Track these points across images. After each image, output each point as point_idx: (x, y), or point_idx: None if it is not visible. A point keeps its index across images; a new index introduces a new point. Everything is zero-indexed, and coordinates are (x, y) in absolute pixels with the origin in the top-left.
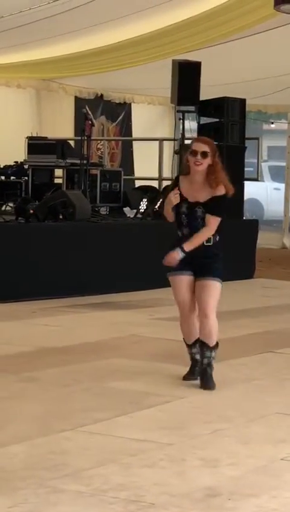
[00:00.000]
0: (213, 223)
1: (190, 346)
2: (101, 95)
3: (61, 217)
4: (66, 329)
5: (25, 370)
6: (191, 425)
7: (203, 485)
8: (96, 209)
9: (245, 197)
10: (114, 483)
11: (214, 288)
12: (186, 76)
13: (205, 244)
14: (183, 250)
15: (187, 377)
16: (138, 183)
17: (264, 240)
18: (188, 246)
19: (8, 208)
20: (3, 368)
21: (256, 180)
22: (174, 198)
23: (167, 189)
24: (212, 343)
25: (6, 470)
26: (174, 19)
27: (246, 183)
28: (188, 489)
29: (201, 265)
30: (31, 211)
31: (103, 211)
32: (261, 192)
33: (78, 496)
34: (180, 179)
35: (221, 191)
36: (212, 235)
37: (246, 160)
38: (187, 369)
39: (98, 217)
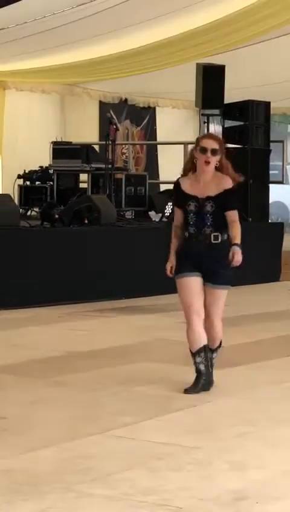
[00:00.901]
0: (235, 215)
1: (194, 355)
2: (126, 99)
3: (86, 221)
4: (92, 333)
5: (52, 375)
6: (218, 429)
7: (231, 489)
8: (122, 213)
9: (270, 200)
10: (141, 487)
11: (222, 296)
12: (211, 79)
13: (213, 241)
14: (239, 246)
15: (189, 389)
16: (162, 187)
17: None
18: (238, 239)
19: (33, 213)
20: (30, 373)
21: (281, 183)
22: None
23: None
24: (214, 346)
25: (34, 475)
26: (198, 23)
27: (271, 186)
28: (215, 493)
29: (209, 268)
30: (56, 216)
31: (128, 215)
32: (287, 195)
33: (106, 500)
34: (182, 181)
35: (229, 183)
36: (220, 233)
37: (271, 163)
38: (215, 373)
39: (123, 221)
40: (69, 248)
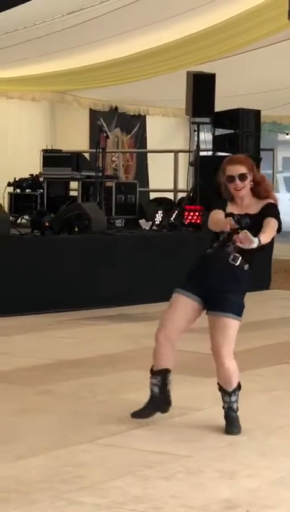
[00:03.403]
0: (274, 224)
1: (153, 374)
2: (116, 107)
3: (76, 229)
4: (82, 341)
5: (41, 383)
6: (209, 437)
7: (221, 497)
8: (112, 221)
9: None
10: (131, 496)
11: (230, 327)
12: (201, 87)
13: (230, 261)
14: (259, 240)
15: (137, 413)
16: (152, 195)
17: (280, 251)
18: (263, 237)
19: (23, 221)
20: (19, 381)
21: None
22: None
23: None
24: (230, 389)
25: (24, 483)
26: (188, 31)
27: None
28: (206, 501)
29: (213, 291)
30: (47, 224)
31: (119, 223)
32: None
33: (96, 508)
34: (228, 204)
35: (273, 199)
36: (244, 262)
37: (261, 172)
38: (206, 381)
39: (113, 229)
40: (59, 256)
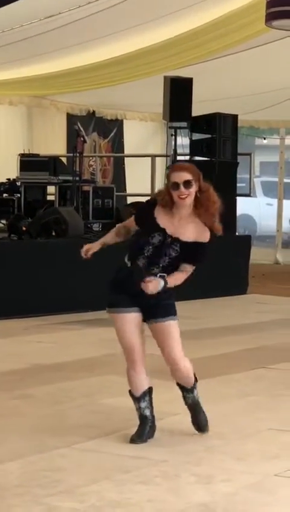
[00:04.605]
0: (190, 271)
1: (137, 400)
2: (93, 112)
3: (54, 233)
4: (58, 346)
5: (18, 387)
6: (185, 442)
7: (198, 502)
8: (89, 225)
9: (238, 213)
10: (109, 500)
11: (174, 329)
12: (178, 92)
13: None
14: (166, 283)
15: (135, 439)
16: (130, 200)
17: (257, 255)
18: (172, 282)
19: (0, 225)
20: None
21: (248, 195)
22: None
23: (137, 206)
24: (190, 384)
25: (1, 488)
26: (166, 35)
27: (239, 199)
28: (182, 505)
29: (149, 305)
30: (24, 228)
31: (96, 227)
32: (254, 208)
33: None
34: (157, 208)
35: (206, 236)
36: (170, 270)
37: (238, 176)
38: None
39: (90, 233)
40: (37, 260)
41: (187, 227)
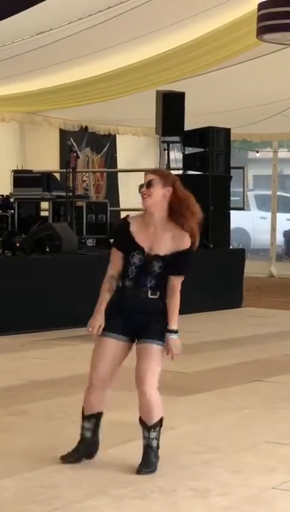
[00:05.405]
0: (179, 284)
1: (84, 418)
2: (86, 127)
3: (47, 249)
4: (54, 361)
5: (14, 403)
6: (182, 456)
7: None
8: (83, 241)
9: (232, 226)
10: None
11: (155, 354)
12: (171, 106)
13: (150, 296)
14: (176, 331)
15: (65, 457)
16: (123, 215)
17: (252, 268)
18: (175, 323)
19: None
20: None
21: (242, 209)
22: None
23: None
24: (151, 423)
25: None
26: (157, 50)
27: (233, 213)
28: None
29: (141, 324)
30: (18, 244)
31: (90, 242)
32: (248, 221)
33: None
34: (131, 221)
35: (187, 242)
36: (159, 291)
37: (231, 190)
38: (178, 400)
39: (84, 248)
40: (31, 276)
41: (164, 238)
